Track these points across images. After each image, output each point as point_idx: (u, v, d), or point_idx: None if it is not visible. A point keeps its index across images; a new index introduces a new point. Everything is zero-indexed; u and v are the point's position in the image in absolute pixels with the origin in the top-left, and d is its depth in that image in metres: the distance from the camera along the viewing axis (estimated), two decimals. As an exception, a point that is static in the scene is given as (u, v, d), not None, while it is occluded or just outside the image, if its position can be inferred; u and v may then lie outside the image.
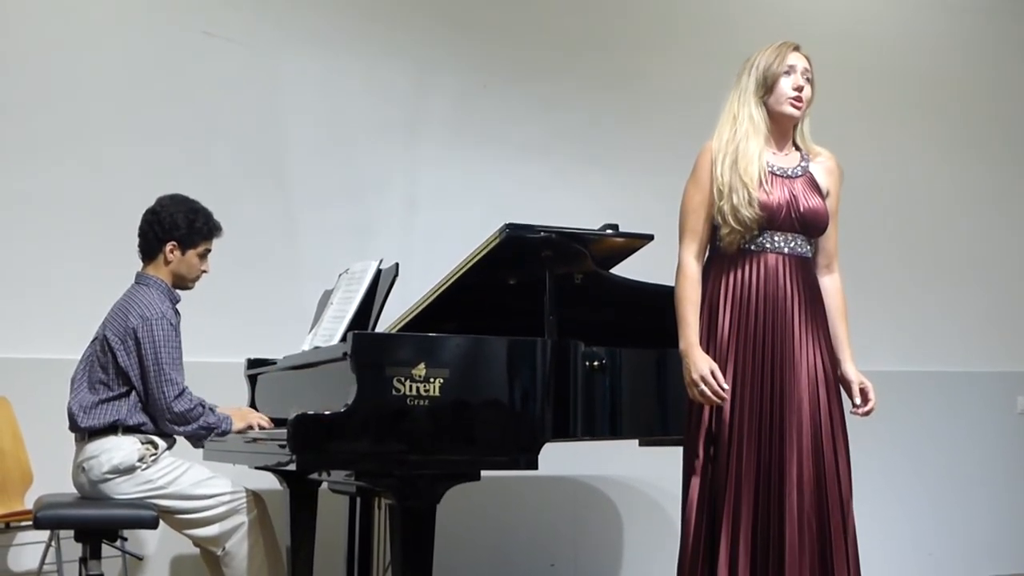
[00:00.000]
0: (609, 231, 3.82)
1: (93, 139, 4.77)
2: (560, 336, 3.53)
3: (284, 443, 3.31)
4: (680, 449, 3.50)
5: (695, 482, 3.23)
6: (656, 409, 3.80)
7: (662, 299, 3.77)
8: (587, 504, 5.44)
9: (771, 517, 3.15)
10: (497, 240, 3.56)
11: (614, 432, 3.68)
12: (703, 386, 3.15)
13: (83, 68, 4.80)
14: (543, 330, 3.55)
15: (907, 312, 6.08)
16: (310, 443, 3.26)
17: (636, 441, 4.21)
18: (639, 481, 5.49)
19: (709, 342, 3.25)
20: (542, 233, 3.59)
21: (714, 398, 3.16)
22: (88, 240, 4.69)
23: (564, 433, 3.52)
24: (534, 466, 3.42)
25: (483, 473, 3.45)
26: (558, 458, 3.86)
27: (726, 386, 3.16)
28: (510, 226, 3.55)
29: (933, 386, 6.08)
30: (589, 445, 4.48)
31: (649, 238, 3.89)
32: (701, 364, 3.17)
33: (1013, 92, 6.47)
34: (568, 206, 5.15)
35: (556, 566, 5.34)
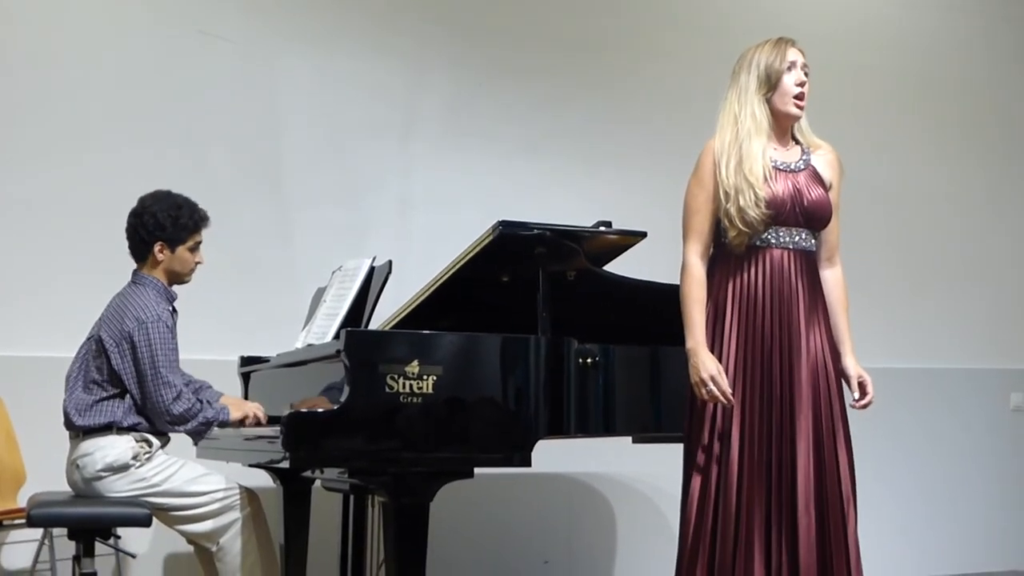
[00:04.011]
0: (602, 228, 3.82)
1: (86, 140, 4.76)
2: (554, 333, 3.53)
3: (277, 439, 3.31)
4: (673, 446, 3.50)
5: (696, 480, 3.22)
6: (650, 406, 3.80)
7: (655, 296, 3.79)
8: (581, 501, 5.45)
9: (783, 517, 3.14)
10: (490, 237, 3.56)
11: (608, 429, 3.67)
12: (711, 385, 3.14)
13: (76, 70, 4.78)
14: (536, 327, 3.54)
15: (902, 309, 6.09)
16: (304, 440, 3.25)
17: (630, 438, 4.22)
18: (633, 478, 5.50)
19: (714, 343, 3.24)
20: (535, 230, 3.58)
21: (722, 399, 3.15)
22: (82, 240, 4.68)
23: (558, 430, 3.51)
24: (528, 463, 3.42)
25: (477, 470, 3.45)
26: (552, 455, 3.86)
27: (729, 390, 3.16)
28: (503, 223, 3.55)
29: (927, 382, 6.09)
30: (583, 442, 4.48)
31: (642, 235, 3.89)
32: (709, 364, 3.17)
33: (1007, 92, 6.48)
34: (562, 205, 5.14)
35: (550, 563, 5.34)
